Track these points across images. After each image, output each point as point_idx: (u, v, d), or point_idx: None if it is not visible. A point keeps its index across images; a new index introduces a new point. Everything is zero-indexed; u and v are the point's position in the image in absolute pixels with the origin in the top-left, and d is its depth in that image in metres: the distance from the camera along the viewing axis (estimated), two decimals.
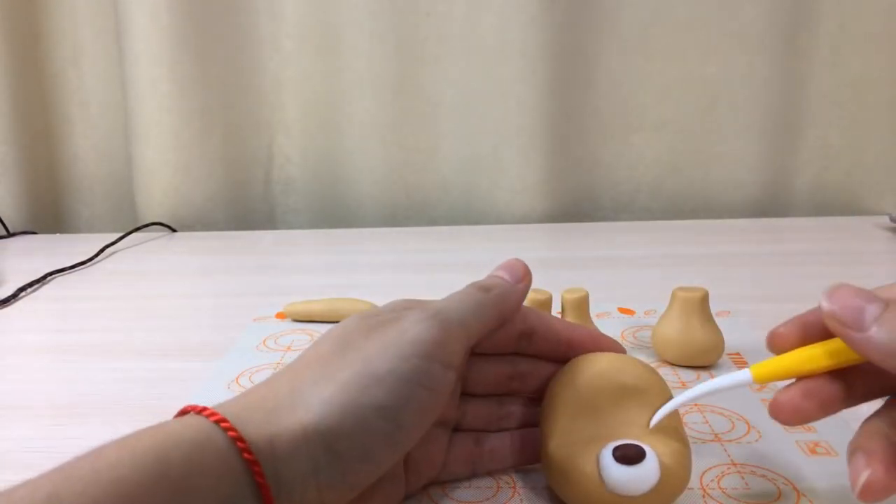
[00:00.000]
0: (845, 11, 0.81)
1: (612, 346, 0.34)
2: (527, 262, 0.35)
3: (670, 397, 0.31)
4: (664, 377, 0.43)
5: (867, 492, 0.24)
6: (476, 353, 0.33)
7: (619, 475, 0.28)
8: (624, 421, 0.30)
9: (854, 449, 0.25)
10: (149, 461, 0.22)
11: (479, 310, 0.31)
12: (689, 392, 0.30)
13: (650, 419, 0.30)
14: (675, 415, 0.30)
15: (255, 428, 0.25)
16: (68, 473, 0.21)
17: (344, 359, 0.28)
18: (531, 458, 0.34)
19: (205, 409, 0.25)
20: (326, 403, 0.26)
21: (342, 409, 0.26)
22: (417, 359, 0.27)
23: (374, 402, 0.26)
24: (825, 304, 0.26)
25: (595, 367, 0.31)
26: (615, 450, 0.28)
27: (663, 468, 0.28)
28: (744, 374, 0.28)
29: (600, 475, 0.28)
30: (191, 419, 0.25)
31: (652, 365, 0.44)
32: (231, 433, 0.24)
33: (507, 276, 0.33)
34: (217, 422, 0.24)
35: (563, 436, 0.30)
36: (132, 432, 0.24)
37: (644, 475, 0.28)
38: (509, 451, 0.34)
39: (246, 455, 0.24)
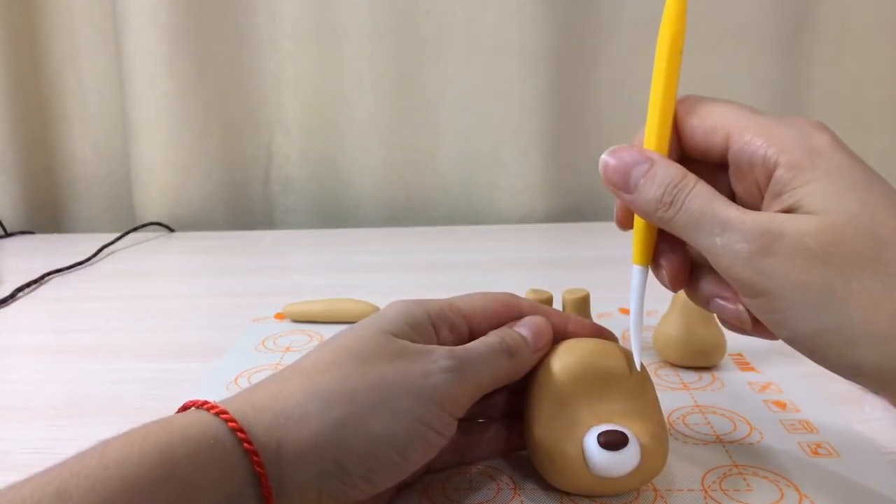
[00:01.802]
0: (846, 12, 0.81)
1: (608, 336, 0.35)
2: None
3: (650, 383, 0.32)
4: (665, 378, 0.43)
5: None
6: None
7: (603, 460, 0.29)
8: (606, 405, 0.31)
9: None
10: (155, 459, 0.22)
11: (497, 375, 0.31)
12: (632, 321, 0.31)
13: (631, 404, 0.31)
14: (654, 399, 0.32)
15: (262, 430, 0.25)
16: (76, 469, 0.22)
17: (363, 378, 0.28)
18: (516, 446, 0.35)
19: (213, 406, 0.26)
20: (340, 423, 0.26)
21: (355, 432, 0.26)
22: (434, 405, 0.28)
23: (386, 434, 0.27)
24: (601, 171, 0.28)
25: (579, 354, 0.32)
26: (600, 435, 0.29)
27: (643, 451, 0.29)
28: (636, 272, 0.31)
29: (584, 459, 0.30)
30: (198, 415, 0.25)
31: (653, 365, 0.44)
32: (239, 434, 0.24)
33: (529, 339, 0.32)
34: (225, 420, 0.25)
35: (548, 421, 0.31)
36: (138, 426, 0.24)
37: (626, 459, 0.29)
38: (495, 440, 0.35)
39: (253, 458, 0.24)
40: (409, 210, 0.91)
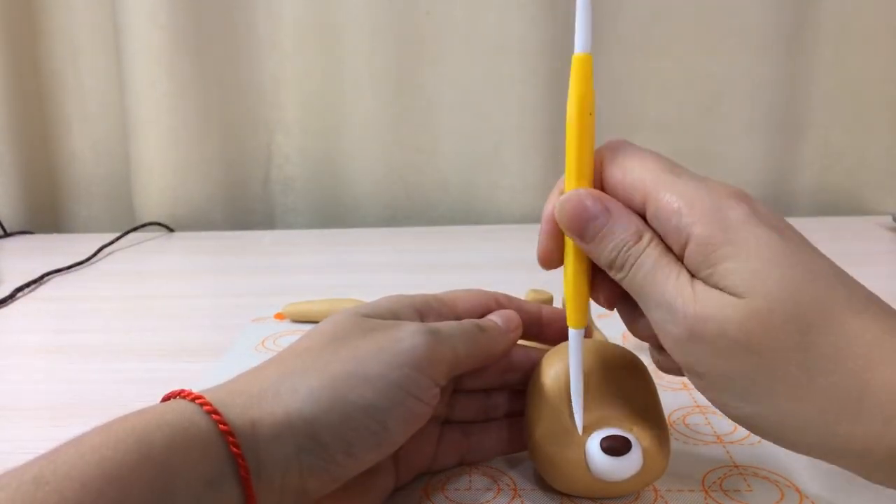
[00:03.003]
0: (847, 11, 0.81)
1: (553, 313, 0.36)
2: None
3: (653, 385, 0.32)
4: (666, 378, 0.42)
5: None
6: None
7: (606, 464, 0.29)
8: (608, 408, 0.31)
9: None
10: (131, 442, 0.22)
11: (470, 342, 0.31)
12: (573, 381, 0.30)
13: (633, 406, 0.31)
14: (657, 401, 0.32)
15: (238, 411, 0.25)
16: (53, 458, 0.22)
17: (336, 354, 0.28)
18: (518, 447, 0.35)
19: (189, 393, 0.26)
20: (314, 393, 0.26)
21: (330, 402, 0.26)
22: (408, 368, 0.28)
23: (361, 401, 0.26)
24: (557, 213, 0.28)
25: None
26: (602, 440, 0.29)
27: (645, 454, 0.29)
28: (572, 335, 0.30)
29: (587, 463, 0.30)
30: (175, 403, 0.26)
31: (653, 366, 0.44)
32: (214, 416, 0.25)
33: (500, 323, 0.33)
34: (200, 404, 0.25)
35: (549, 424, 0.31)
36: (117, 417, 0.24)
37: (629, 464, 0.29)
38: (496, 440, 0.35)
39: (229, 438, 0.24)
40: (408, 210, 0.91)
